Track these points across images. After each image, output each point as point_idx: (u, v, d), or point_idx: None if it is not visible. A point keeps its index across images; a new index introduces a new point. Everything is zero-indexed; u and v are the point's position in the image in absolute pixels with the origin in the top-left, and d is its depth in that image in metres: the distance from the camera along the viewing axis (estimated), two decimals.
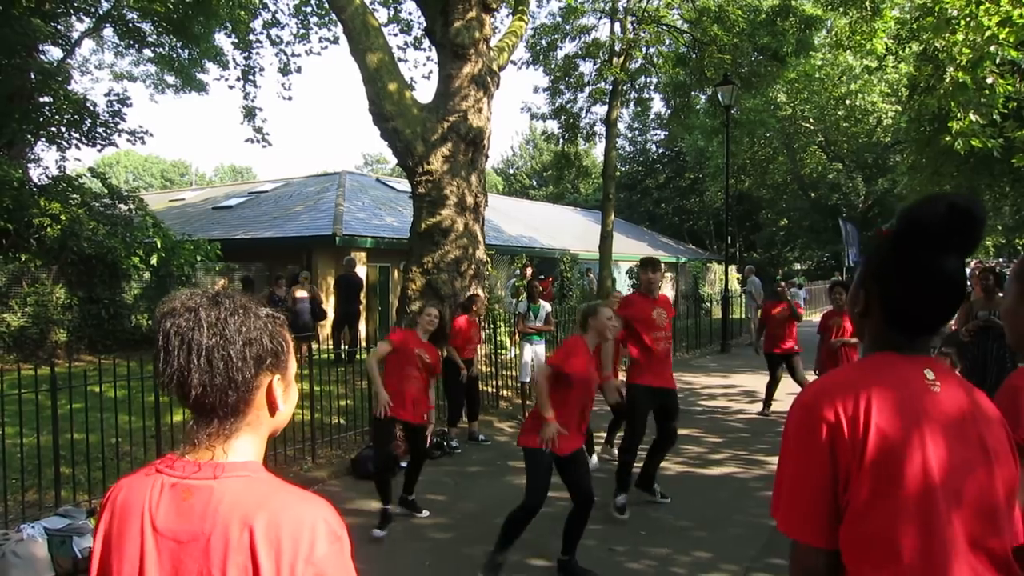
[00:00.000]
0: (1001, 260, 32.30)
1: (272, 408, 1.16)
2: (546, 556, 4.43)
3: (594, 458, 6.67)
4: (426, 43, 15.30)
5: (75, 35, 16.95)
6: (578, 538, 4.14)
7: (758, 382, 11.12)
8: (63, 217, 12.55)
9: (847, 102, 26.63)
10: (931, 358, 1.36)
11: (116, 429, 5.48)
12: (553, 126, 20.48)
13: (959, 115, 9.27)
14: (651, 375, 5.33)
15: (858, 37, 11.71)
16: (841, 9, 12.25)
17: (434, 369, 5.27)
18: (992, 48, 8.32)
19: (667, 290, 24.90)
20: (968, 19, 8.51)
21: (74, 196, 13.59)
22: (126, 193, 15.11)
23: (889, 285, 1.36)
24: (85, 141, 14.78)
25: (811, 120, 29.56)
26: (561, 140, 20.20)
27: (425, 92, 11.35)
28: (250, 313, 1.13)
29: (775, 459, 5.55)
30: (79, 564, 4.28)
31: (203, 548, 1.03)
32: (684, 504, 5.41)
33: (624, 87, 18.69)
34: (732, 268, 21.10)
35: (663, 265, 5.93)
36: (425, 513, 5.31)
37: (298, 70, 16.13)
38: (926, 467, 1.21)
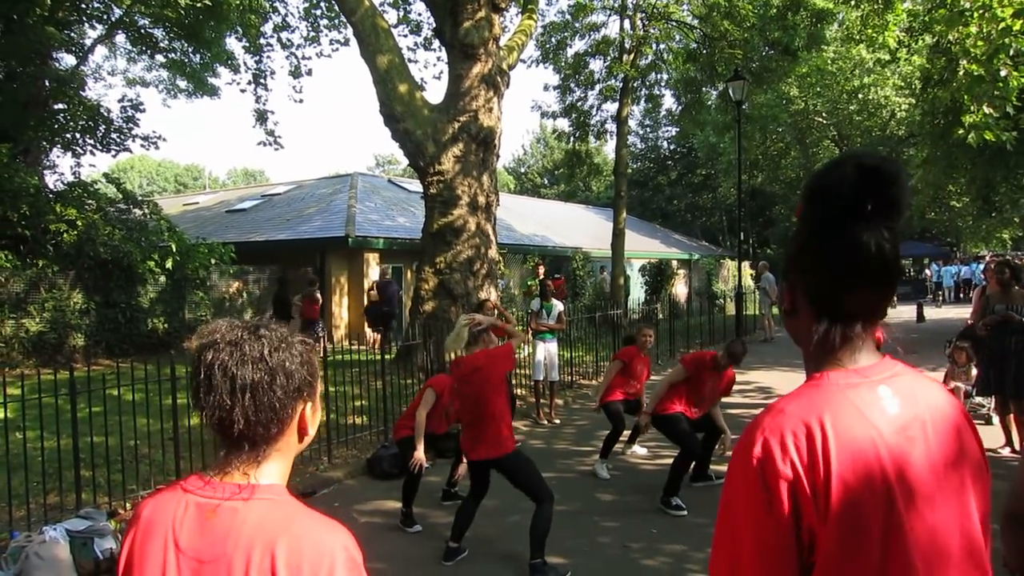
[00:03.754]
0: (1019, 253, 31.91)
1: (302, 434, 1.19)
2: (562, 554, 4.44)
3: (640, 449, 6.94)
4: (436, 43, 15.35)
5: (88, 42, 17.13)
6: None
7: (772, 378, 11.08)
8: (79, 223, 12.70)
9: (860, 96, 26.43)
10: (886, 366, 1.17)
11: (135, 432, 5.53)
12: (564, 124, 20.50)
13: (972, 108, 9.17)
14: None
15: (869, 31, 11.61)
16: (852, 2, 12.16)
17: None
18: (1006, 40, 8.23)
19: (680, 287, 24.82)
20: (982, 11, 8.43)
21: (90, 202, 13.76)
22: (141, 198, 15.27)
23: (808, 270, 1.17)
24: (100, 147, 14.96)
25: (823, 114, 29.35)
26: (572, 138, 20.19)
27: (436, 92, 11.39)
28: (291, 345, 1.15)
29: None
30: (100, 565, 4.32)
31: (225, 570, 1.05)
32: (700, 501, 5.40)
33: (634, 84, 18.65)
34: (745, 264, 20.99)
35: None
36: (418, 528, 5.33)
37: (309, 73, 16.24)
38: (898, 508, 1.07)
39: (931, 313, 18.89)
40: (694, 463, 5.70)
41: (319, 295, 12.74)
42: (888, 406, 1.12)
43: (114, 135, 14.88)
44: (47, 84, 14.40)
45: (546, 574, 4.06)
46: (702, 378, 5.57)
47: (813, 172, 1.22)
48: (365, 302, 14.13)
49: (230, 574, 1.04)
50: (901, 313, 20.43)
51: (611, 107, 19.59)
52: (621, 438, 6.82)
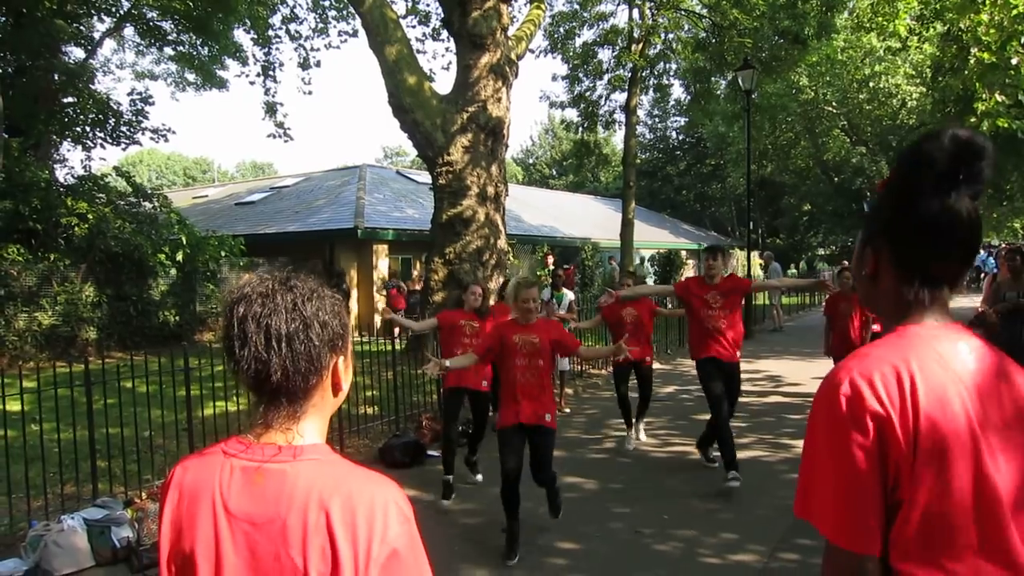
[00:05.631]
0: None
1: (336, 388, 1.18)
2: (574, 539, 4.47)
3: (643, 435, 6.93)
4: (444, 34, 15.32)
5: (96, 35, 17.20)
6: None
7: (782, 367, 11.07)
8: (90, 216, 12.79)
9: (870, 84, 26.16)
10: (959, 328, 1.23)
11: (149, 423, 5.58)
12: (572, 114, 20.45)
13: (984, 96, 9.09)
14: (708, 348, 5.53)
15: (880, 18, 11.52)
16: None
17: (483, 334, 5.50)
18: (1018, 27, 8.15)
19: (689, 276, 24.74)
20: None
21: (100, 195, 13.85)
22: (151, 191, 15.35)
23: (899, 236, 1.22)
24: (110, 140, 15.05)
25: (833, 104, 29.08)
26: (580, 128, 20.14)
27: (444, 83, 11.39)
28: (322, 296, 1.14)
29: (800, 442, 5.48)
30: (118, 553, 4.38)
31: (280, 531, 1.04)
32: (710, 487, 5.41)
33: (643, 74, 18.58)
34: (755, 254, 20.93)
35: (724, 252, 6.17)
36: (479, 477, 5.78)
37: (317, 64, 16.22)
38: (982, 457, 1.11)
39: None
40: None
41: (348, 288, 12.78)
42: (967, 360, 1.18)
43: (124, 128, 14.98)
44: (56, 78, 14.48)
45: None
46: (701, 295, 5.55)
47: (908, 145, 1.27)
48: (405, 290, 14.29)
49: (285, 535, 1.04)
50: None
51: (619, 97, 19.55)
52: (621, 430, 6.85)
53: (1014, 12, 8.10)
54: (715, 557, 4.22)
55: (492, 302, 7.54)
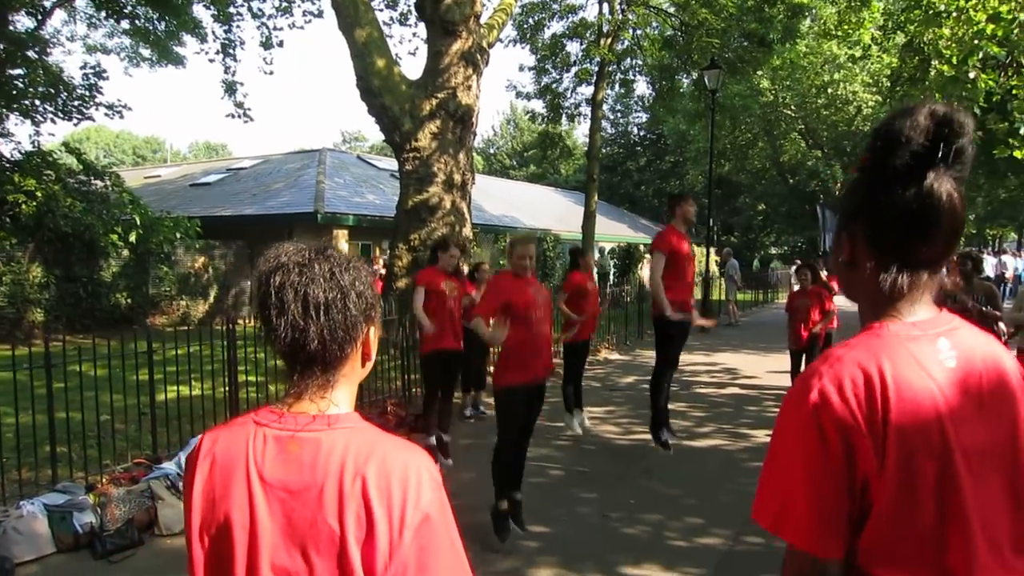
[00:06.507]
0: (974, 249, 33.05)
1: (366, 358, 1.20)
2: (544, 523, 4.52)
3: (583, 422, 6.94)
4: (412, 19, 15.16)
5: (48, 4, 16.49)
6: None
7: (738, 360, 11.33)
8: (38, 193, 12.32)
9: (829, 91, 26.90)
10: (944, 318, 1.17)
11: (111, 408, 5.42)
12: (538, 105, 20.47)
13: None
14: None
15: (846, 27, 11.82)
16: None
17: (463, 291, 6.02)
18: (980, 42, 8.46)
19: (647, 270, 25.10)
20: (957, 14, 8.64)
21: (48, 172, 13.33)
22: (102, 169, 14.85)
23: (874, 220, 1.15)
24: (61, 115, 14.46)
25: (792, 107, 29.81)
26: (545, 120, 20.19)
27: (410, 69, 11.26)
28: (356, 267, 1.17)
29: (759, 432, 5.67)
30: (81, 539, 4.26)
31: (316, 497, 1.05)
32: (673, 474, 5.54)
33: (610, 68, 18.70)
34: (712, 251, 21.33)
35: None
36: (450, 461, 5.84)
37: (280, 44, 15.84)
38: (954, 466, 1.07)
39: None
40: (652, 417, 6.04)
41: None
42: (946, 359, 1.12)
43: (76, 103, 14.39)
44: (3, 48, 13.86)
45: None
46: (682, 249, 5.73)
47: (883, 120, 1.19)
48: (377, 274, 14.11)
49: (321, 501, 1.05)
50: None
51: (585, 90, 19.64)
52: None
53: (975, 28, 8.42)
54: (682, 540, 4.32)
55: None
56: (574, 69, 18.93)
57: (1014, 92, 9.52)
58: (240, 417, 1.19)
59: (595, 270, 7.86)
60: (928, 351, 1.12)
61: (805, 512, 1.09)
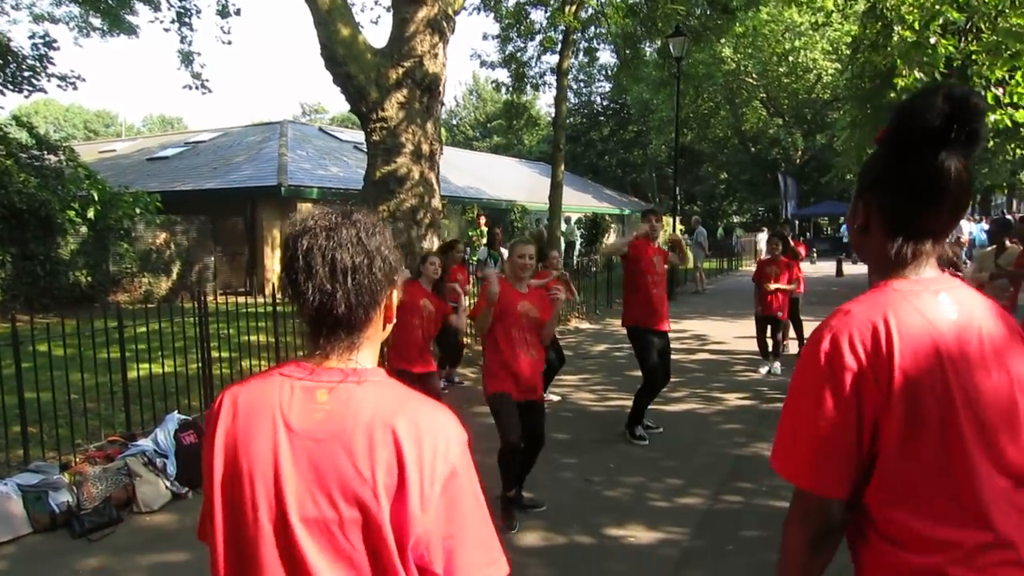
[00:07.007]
0: None
1: (388, 320, 1.21)
2: (528, 488, 4.58)
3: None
4: None
5: None
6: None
7: (706, 326, 11.55)
8: None
9: (790, 59, 27.12)
10: (943, 279, 1.27)
11: (82, 387, 5.29)
12: (502, 75, 20.27)
13: (904, 72, 9.58)
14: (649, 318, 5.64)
15: None
16: None
17: (437, 318, 5.08)
18: (941, 7, 8.58)
19: (613, 239, 25.26)
20: None
21: None
22: (56, 143, 14.33)
23: (890, 190, 1.26)
24: (10, 86, 13.87)
25: (754, 75, 30.02)
26: (510, 89, 20.01)
27: (373, 37, 11.03)
28: (382, 231, 1.17)
29: (731, 395, 5.82)
30: (57, 519, 4.20)
31: (345, 445, 1.06)
32: (651, 438, 5.64)
33: (575, 36, 18.55)
34: (677, 220, 21.52)
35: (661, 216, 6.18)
36: None
37: (238, 12, 15.34)
38: (957, 408, 1.16)
39: (849, 269, 19.92)
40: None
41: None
42: (946, 311, 1.22)
43: (26, 74, 13.81)
44: None
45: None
46: (647, 255, 5.63)
47: (903, 101, 1.29)
48: None
49: (351, 449, 1.06)
50: (820, 268, 21.44)
51: (550, 59, 19.48)
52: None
53: None
54: (663, 501, 4.43)
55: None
56: (539, 37, 18.75)
57: (973, 57, 9.71)
58: (261, 373, 1.20)
59: (560, 260, 7.46)
60: (931, 303, 1.22)
61: (811, 453, 1.20)
